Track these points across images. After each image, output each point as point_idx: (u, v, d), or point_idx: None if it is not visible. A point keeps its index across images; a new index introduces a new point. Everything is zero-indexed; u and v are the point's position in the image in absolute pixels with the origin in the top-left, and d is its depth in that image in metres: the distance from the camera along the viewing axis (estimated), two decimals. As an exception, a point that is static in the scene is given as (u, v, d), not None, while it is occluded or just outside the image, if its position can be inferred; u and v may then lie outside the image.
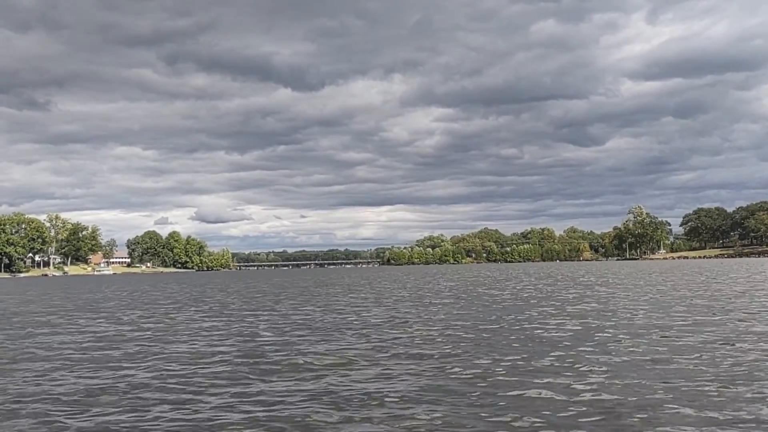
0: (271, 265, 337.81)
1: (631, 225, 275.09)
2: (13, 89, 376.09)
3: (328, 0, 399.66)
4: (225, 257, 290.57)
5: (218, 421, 8.22)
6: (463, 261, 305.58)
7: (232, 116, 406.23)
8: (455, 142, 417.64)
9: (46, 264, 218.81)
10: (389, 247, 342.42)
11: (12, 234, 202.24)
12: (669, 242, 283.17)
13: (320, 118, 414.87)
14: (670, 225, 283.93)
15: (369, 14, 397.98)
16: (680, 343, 13.46)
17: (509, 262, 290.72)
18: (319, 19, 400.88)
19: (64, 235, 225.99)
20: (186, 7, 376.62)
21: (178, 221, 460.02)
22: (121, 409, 9.04)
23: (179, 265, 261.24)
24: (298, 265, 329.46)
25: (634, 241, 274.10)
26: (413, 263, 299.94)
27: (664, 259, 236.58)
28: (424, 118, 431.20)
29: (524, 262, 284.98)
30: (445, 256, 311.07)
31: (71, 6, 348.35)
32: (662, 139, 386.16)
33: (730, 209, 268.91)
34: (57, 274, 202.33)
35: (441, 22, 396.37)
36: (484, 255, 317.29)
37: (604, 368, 10.86)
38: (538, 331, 16.10)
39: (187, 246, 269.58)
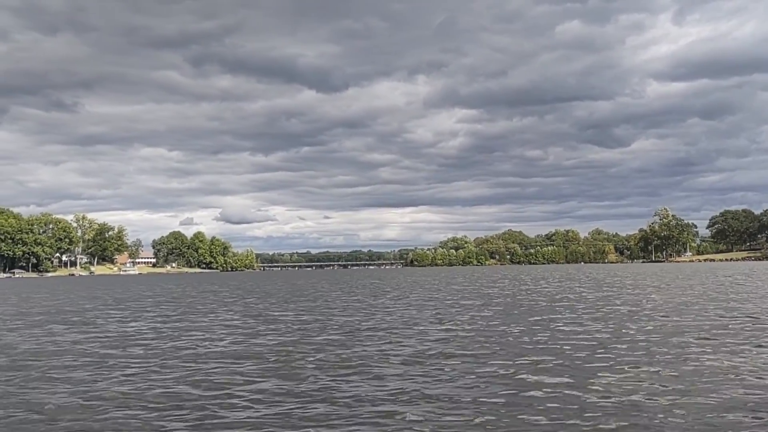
0: (295, 266, 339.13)
1: (656, 227, 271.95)
2: (41, 91, 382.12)
3: (352, 2, 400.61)
4: (249, 258, 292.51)
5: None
6: (487, 263, 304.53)
7: (256, 118, 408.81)
8: (479, 144, 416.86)
9: (73, 264, 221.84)
10: (413, 248, 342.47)
11: (40, 234, 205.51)
12: (695, 245, 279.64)
13: (344, 120, 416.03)
14: (696, 227, 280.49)
15: (393, 16, 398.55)
16: None
17: (533, 263, 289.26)
18: (344, 20, 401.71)
19: (91, 235, 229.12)
20: (212, 9, 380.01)
21: (203, 222, 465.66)
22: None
23: (204, 266, 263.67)
24: (321, 266, 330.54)
25: (659, 243, 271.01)
26: (436, 264, 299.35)
27: (690, 261, 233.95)
28: (448, 119, 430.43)
29: (548, 264, 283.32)
30: (469, 257, 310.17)
31: (99, 8, 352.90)
32: (688, 140, 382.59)
33: (757, 211, 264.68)
34: (83, 273, 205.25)
35: (465, 23, 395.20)
36: (508, 257, 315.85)
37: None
38: None
39: (212, 246, 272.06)
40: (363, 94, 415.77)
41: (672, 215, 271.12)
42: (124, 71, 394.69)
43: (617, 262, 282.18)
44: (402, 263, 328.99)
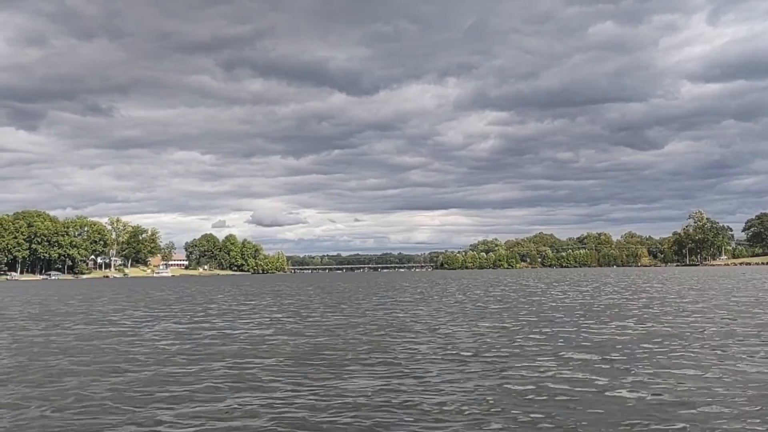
0: (325, 269, 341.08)
1: (691, 230, 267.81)
2: (77, 95, 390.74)
3: (382, 5, 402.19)
4: (280, 260, 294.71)
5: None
6: (518, 266, 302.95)
7: (287, 121, 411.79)
8: (510, 146, 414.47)
9: (108, 266, 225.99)
10: (443, 251, 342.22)
11: (75, 237, 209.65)
12: (730, 248, 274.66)
13: (374, 123, 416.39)
14: (731, 230, 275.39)
15: (423, 18, 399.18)
16: None
17: (564, 267, 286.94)
18: (374, 24, 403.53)
19: (125, 237, 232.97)
20: (244, 13, 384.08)
21: (235, 224, 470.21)
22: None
23: (235, 268, 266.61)
24: (352, 269, 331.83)
25: (694, 246, 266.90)
26: (467, 267, 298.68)
27: (725, 265, 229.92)
28: (479, 121, 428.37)
29: (580, 267, 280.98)
30: (500, 260, 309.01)
31: (133, 14, 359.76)
32: (723, 142, 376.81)
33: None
34: (118, 275, 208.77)
35: (496, 25, 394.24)
36: (539, 260, 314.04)
37: None
38: None
39: (243, 249, 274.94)
40: (393, 97, 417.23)
41: (706, 218, 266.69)
42: (157, 76, 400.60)
43: (650, 265, 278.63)
44: (432, 266, 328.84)
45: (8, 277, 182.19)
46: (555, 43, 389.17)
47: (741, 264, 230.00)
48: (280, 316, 26.20)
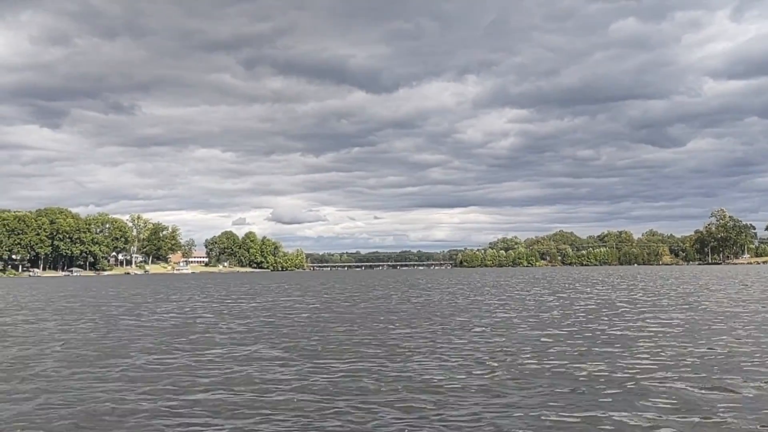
0: (344, 266, 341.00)
1: (713, 228, 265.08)
2: (100, 94, 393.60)
3: (403, 2, 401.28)
4: (299, 258, 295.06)
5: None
6: (537, 264, 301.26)
7: (307, 119, 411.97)
8: (530, 144, 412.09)
9: (129, 263, 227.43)
10: (462, 249, 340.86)
11: (97, 234, 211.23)
12: (753, 246, 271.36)
13: (394, 120, 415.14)
14: (754, 228, 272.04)
15: (444, 16, 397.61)
16: None
17: (585, 265, 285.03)
18: (395, 21, 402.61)
19: (146, 234, 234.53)
20: (265, 11, 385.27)
21: (255, 222, 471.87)
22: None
23: (255, 265, 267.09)
24: (371, 267, 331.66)
25: (716, 245, 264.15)
26: (486, 265, 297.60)
27: (748, 263, 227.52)
28: (498, 119, 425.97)
29: (600, 265, 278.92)
30: (519, 258, 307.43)
31: (156, 13, 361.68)
32: (746, 139, 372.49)
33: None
34: (139, 272, 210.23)
35: (516, 22, 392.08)
36: (559, 258, 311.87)
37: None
38: None
39: (263, 246, 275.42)
40: (413, 95, 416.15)
41: (729, 216, 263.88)
42: (179, 74, 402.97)
43: (672, 263, 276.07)
44: (451, 264, 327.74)
45: (31, 273, 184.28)
46: (576, 40, 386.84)
47: (764, 262, 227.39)
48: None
